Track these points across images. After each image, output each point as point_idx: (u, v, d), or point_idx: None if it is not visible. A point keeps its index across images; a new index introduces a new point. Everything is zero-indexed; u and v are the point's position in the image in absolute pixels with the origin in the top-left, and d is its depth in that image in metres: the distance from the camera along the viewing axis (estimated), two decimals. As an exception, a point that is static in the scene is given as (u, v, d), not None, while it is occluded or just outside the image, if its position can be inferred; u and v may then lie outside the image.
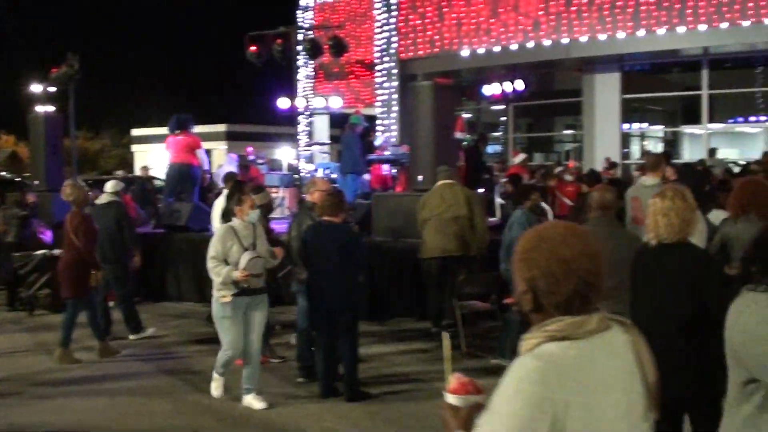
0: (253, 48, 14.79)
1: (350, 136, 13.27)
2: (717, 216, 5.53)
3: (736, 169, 12.11)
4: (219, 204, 7.09)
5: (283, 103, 17.31)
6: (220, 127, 32.41)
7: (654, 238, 3.48)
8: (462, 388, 1.81)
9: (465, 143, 12.62)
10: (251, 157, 14.81)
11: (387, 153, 14.34)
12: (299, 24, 19.77)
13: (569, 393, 1.61)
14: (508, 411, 1.60)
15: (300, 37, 16.73)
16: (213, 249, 5.26)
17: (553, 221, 2.00)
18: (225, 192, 6.63)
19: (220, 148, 29.74)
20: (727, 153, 14.79)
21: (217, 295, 5.33)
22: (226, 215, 5.56)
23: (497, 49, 15.93)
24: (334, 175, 13.38)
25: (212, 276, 5.37)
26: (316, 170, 14.86)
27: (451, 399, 1.81)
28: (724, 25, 13.86)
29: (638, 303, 3.62)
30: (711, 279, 3.35)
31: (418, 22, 17.19)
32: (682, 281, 3.33)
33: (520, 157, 12.55)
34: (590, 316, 1.68)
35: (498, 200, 11.43)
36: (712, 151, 14.08)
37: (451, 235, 7.42)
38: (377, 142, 15.06)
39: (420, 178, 9.43)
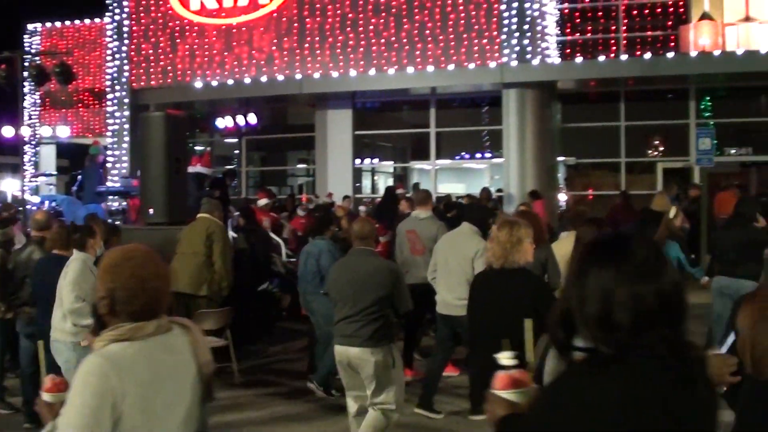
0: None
1: (91, 168, 13.71)
2: None
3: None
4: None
5: (7, 131, 17.21)
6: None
7: (492, 263, 4.14)
8: (54, 388, 2.25)
9: (210, 177, 12.37)
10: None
11: (117, 185, 14.79)
12: (25, 49, 18.47)
13: (127, 384, 2.03)
14: (79, 401, 2.01)
15: (26, 63, 15.73)
16: None
17: (136, 244, 2.30)
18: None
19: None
20: (454, 187, 15.81)
21: None
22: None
23: (231, 82, 16.11)
24: (60, 208, 13.37)
25: None
26: (42, 202, 14.73)
27: (45, 397, 2.25)
28: (451, 66, 15.20)
29: (479, 323, 4.27)
30: (546, 301, 3.88)
31: (151, 51, 16.86)
32: (520, 303, 3.86)
33: (264, 201, 12.37)
34: (149, 322, 2.13)
35: (231, 233, 11.12)
36: (415, 185, 15.07)
37: (185, 271, 7.47)
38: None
39: (151, 211, 8.90)
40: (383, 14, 16.22)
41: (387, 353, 5.08)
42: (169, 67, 17.35)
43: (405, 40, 16.08)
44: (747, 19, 15.11)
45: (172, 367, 2.13)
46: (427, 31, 16.00)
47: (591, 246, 1.71)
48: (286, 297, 9.54)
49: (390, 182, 17.50)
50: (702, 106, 16.07)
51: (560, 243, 6.69)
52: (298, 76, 16.16)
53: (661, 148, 16.61)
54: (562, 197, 15.92)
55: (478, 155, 17.12)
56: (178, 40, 17.31)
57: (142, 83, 17.47)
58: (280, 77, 16.25)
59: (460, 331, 6.25)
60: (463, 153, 17.41)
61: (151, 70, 17.48)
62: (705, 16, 15.25)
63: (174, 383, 2.13)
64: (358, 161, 17.20)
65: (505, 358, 2.06)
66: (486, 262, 4.32)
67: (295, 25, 16.58)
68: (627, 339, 1.54)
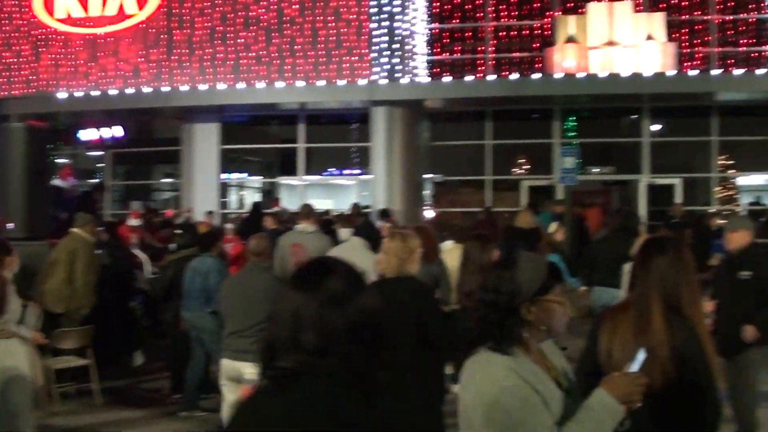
0: None
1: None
2: None
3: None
4: None
5: None
6: None
7: (386, 273, 4.31)
8: None
9: (70, 191, 11.98)
10: None
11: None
12: None
13: None
14: None
15: None
16: None
17: None
18: None
19: None
20: (322, 203, 15.71)
21: None
22: None
23: (96, 93, 15.72)
24: None
25: None
26: None
27: None
28: (321, 82, 15.17)
29: None
30: (431, 310, 4.26)
31: (13, 60, 16.35)
32: (408, 311, 4.02)
33: (134, 221, 12.03)
34: None
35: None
36: (274, 201, 15.11)
37: (48, 288, 7.42)
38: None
39: (10, 225, 8.55)
40: (253, 28, 16.46)
41: None
42: (32, 77, 17.19)
43: (275, 55, 16.28)
44: (610, 43, 15.70)
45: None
46: (298, 47, 16.21)
47: (294, 271, 1.83)
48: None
49: (257, 197, 17.49)
50: (566, 126, 16.68)
51: (445, 256, 6.85)
52: (166, 89, 16.23)
53: (526, 167, 17.04)
54: (430, 214, 16.07)
55: (347, 171, 17.42)
56: (42, 49, 17.19)
57: (4, 92, 17.11)
58: (147, 89, 16.24)
59: None
60: (331, 169, 17.69)
61: (14, 79, 17.27)
62: (570, 40, 15.89)
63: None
64: (225, 176, 17.24)
65: (248, 372, 2.22)
66: (379, 272, 4.51)
67: (163, 36, 16.71)
68: (311, 359, 1.66)
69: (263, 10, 16.42)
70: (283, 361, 1.71)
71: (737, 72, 15.36)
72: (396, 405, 1.79)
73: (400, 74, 15.65)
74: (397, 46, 15.70)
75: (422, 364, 4.14)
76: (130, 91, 16.19)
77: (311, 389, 1.64)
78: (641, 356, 2.37)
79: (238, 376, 5.26)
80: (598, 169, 16.75)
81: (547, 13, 16.46)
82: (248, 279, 5.53)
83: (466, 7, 16.66)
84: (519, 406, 2.18)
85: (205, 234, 8.01)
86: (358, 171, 17.10)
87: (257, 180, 19.05)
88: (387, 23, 15.65)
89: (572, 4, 16.29)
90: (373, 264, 6.11)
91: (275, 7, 16.35)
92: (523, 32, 16.58)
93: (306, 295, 1.71)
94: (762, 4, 16.41)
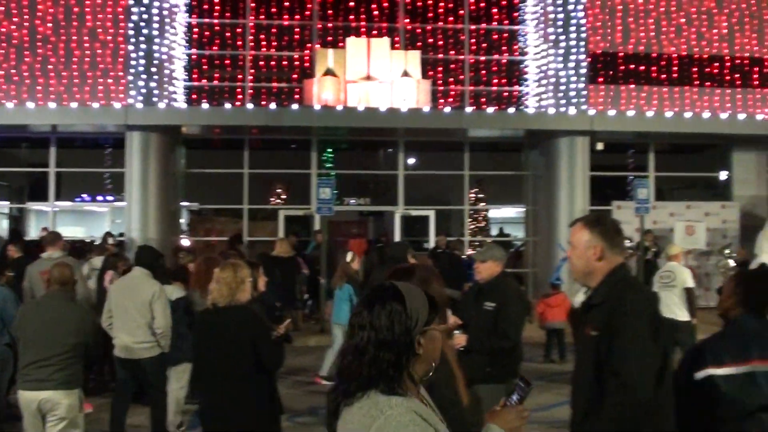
0: None
1: None
2: (172, 290, 8.61)
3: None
4: None
5: None
6: None
7: (218, 302, 5.61)
8: None
9: None
10: None
11: None
12: None
13: None
14: None
15: None
16: None
17: None
18: None
19: None
20: (74, 231, 19.02)
21: None
22: None
23: None
24: None
25: None
26: None
27: None
28: (74, 104, 18.38)
29: (204, 359, 5.75)
30: (263, 336, 5.62)
31: None
32: (239, 337, 5.45)
33: None
34: None
35: None
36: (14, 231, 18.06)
37: None
38: None
39: None
40: (3, 45, 19.04)
41: (78, 396, 6.51)
42: None
43: (26, 74, 19.03)
44: (368, 78, 20.24)
45: None
46: (50, 66, 19.11)
47: None
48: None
49: (5, 224, 20.43)
50: (324, 158, 20.99)
51: None
52: None
53: (284, 196, 21.43)
54: (185, 242, 19.90)
55: (100, 198, 20.41)
56: None
57: None
58: None
59: (139, 373, 8.11)
60: (84, 195, 20.58)
61: None
62: (329, 72, 20.05)
63: None
64: (-32, 201, 19.94)
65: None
66: (211, 301, 5.71)
67: None
68: None
69: (14, 26, 19.04)
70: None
71: (489, 110, 20.26)
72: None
73: (157, 99, 18.87)
74: (155, 70, 18.91)
75: (257, 387, 5.52)
76: None
77: None
78: (522, 386, 2.88)
79: (37, 406, 6.33)
80: (355, 200, 21.54)
81: (307, 45, 20.56)
82: (50, 307, 6.51)
83: (226, 34, 20.39)
84: None
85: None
86: (111, 197, 20.10)
87: (4, 205, 21.48)
88: (145, 46, 18.81)
89: (331, 38, 20.46)
90: (157, 292, 7.93)
91: (27, 24, 19.04)
92: (282, 62, 20.52)
93: None
94: (513, 47, 21.74)
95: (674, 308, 10.79)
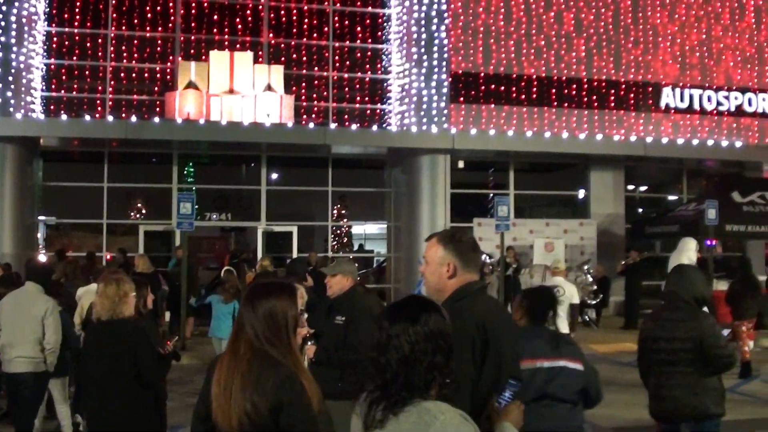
0: None
1: None
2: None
3: None
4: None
5: None
6: None
7: (101, 315, 6.36)
8: None
9: None
10: None
11: None
12: None
13: None
14: None
15: None
16: None
17: None
18: None
19: None
20: None
21: None
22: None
23: None
24: None
25: None
26: None
27: None
28: None
29: (90, 371, 6.57)
30: (145, 349, 6.45)
31: None
32: (121, 351, 6.21)
33: None
34: None
35: None
36: None
37: None
38: None
39: None
40: None
41: None
42: None
43: None
44: (231, 91, 23.73)
45: None
46: None
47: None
48: None
49: None
50: (185, 172, 24.16)
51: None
52: None
53: (144, 211, 24.90)
54: (42, 258, 22.92)
55: None
56: None
57: None
58: None
59: (17, 387, 8.92)
60: None
61: None
62: (191, 85, 22.95)
63: None
64: None
65: None
66: (95, 315, 6.51)
67: None
68: None
69: None
70: None
71: (353, 127, 23.81)
72: None
73: (13, 109, 21.38)
74: (12, 79, 21.46)
75: (139, 401, 6.32)
76: None
77: None
78: (513, 384, 3.82)
79: None
80: (216, 216, 25.13)
81: (170, 58, 23.57)
82: None
83: (87, 44, 23.11)
84: None
85: None
86: None
87: None
88: (1, 54, 21.34)
89: (194, 51, 23.51)
90: (50, 308, 8.99)
91: None
92: (144, 75, 23.39)
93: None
94: (377, 65, 25.35)
95: (558, 321, 12.74)
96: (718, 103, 27.46)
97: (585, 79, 25.96)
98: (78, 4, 23.54)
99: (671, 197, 29.15)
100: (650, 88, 26.66)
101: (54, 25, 23.56)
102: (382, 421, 3.11)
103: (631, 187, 27.62)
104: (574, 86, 25.90)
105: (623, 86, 26.37)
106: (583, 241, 25.08)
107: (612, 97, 26.28)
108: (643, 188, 29.05)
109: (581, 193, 27.20)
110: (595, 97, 26.14)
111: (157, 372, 6.67)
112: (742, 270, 18.05)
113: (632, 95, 26.50)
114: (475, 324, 4.16)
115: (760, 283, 18.17)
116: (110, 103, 23.61)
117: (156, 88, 23.88)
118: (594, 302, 23.11)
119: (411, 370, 3.13)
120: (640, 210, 28.66)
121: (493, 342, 4.14)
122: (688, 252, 16.64)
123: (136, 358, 6.35)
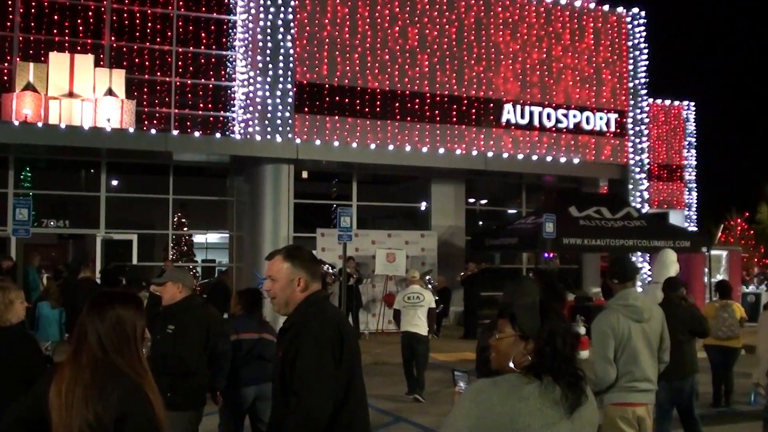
0: None
1: None
2: None
3: None
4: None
5: None
6: None
7: None
8: None
9: None
10: None
11: None
12: None
13: None
14: None
15: None
16: None
17: None
18: None
19: None
20: None
21: None
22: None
23: None
24: None
25: None
26: None
27: None
28: None
29: None
30: (34, 355, 6.47)
31: None
32: (6, 357, 6.27)
33: None
34: None
35: None
36: None
37: None
38: None
39: None
40: None
41: None
42: None
43: None
44: (71, 94, 24.07)
45: None
46: None
47: None
48: None
49: None
50: (22, 176, 24.40)
51: None
52: None
53: (-23, 218, 24.99)
54: None
55: None
56: None
57: None
58: None
59: None
60: None
61: None
62: (29, 87, 23.09)
63: None
64: None
65: None
66: None
67: None
68: None
69: None
70: None
71: (195, 134, 24.36)
72: None
73: None
74: None
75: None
76: None
77: None
78: (462, 374, 4.28)
79: None
80: (54, 222, 25.43)
81: (7, 58, 23.82)
82: None
83: None
84: None
85: None
86: None
87: None
88: None
89: (33, 52, 23.82)
90: None
91: None
92: None
93: None
94: (221, 72, 26.01)
95: (419, 324, 15.41)
96: (557, 121, 29.28)
97: (428, 94, 27.32)
98: None
99: (511, 210, 31.05)
100: (492, 105, 28.27)
101: None
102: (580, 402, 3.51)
103: (471, 200, 29.37)
104: (418, 100, 27.21)
105: (465, 102, 27.88)
106: (425, 252, 26.42)
107: (454, 112, 27.79)
108: (483, 201, 30.86)
109: (423, 206, 28.69)
110: (437, 112, 27.53)
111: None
112: (544, 282, 19.41)
113: (474, 111, 28.04)
114: (332, 327, 4.71)
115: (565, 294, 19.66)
116: (-58, 104, 23.48)
117: (-8, 89, 23.84)
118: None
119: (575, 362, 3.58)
120: (481, 222, 30.41)
121: (347, 343, 4.79)
122: (675, 264, 18.27)
123: (26, 363, 6.38)
